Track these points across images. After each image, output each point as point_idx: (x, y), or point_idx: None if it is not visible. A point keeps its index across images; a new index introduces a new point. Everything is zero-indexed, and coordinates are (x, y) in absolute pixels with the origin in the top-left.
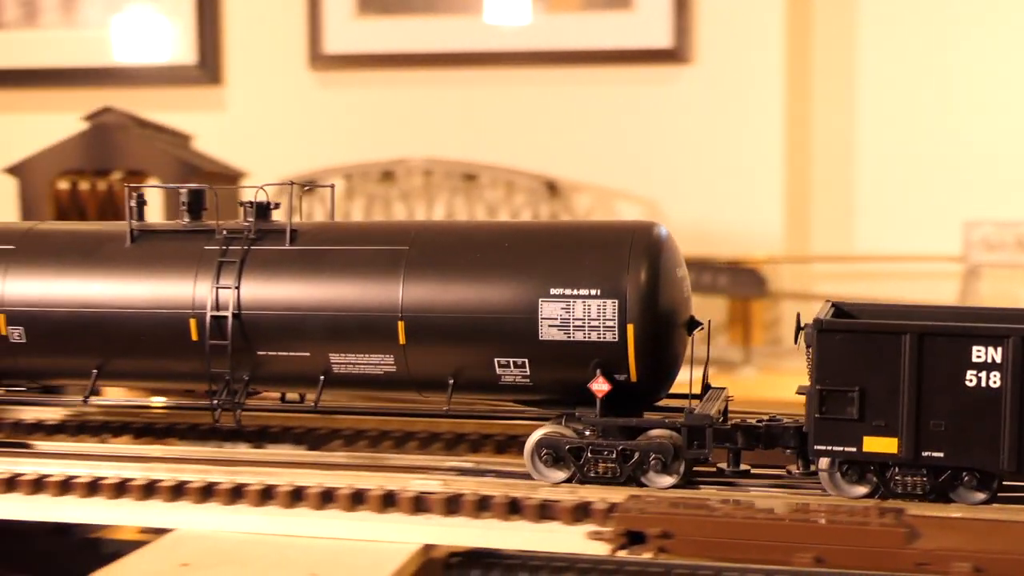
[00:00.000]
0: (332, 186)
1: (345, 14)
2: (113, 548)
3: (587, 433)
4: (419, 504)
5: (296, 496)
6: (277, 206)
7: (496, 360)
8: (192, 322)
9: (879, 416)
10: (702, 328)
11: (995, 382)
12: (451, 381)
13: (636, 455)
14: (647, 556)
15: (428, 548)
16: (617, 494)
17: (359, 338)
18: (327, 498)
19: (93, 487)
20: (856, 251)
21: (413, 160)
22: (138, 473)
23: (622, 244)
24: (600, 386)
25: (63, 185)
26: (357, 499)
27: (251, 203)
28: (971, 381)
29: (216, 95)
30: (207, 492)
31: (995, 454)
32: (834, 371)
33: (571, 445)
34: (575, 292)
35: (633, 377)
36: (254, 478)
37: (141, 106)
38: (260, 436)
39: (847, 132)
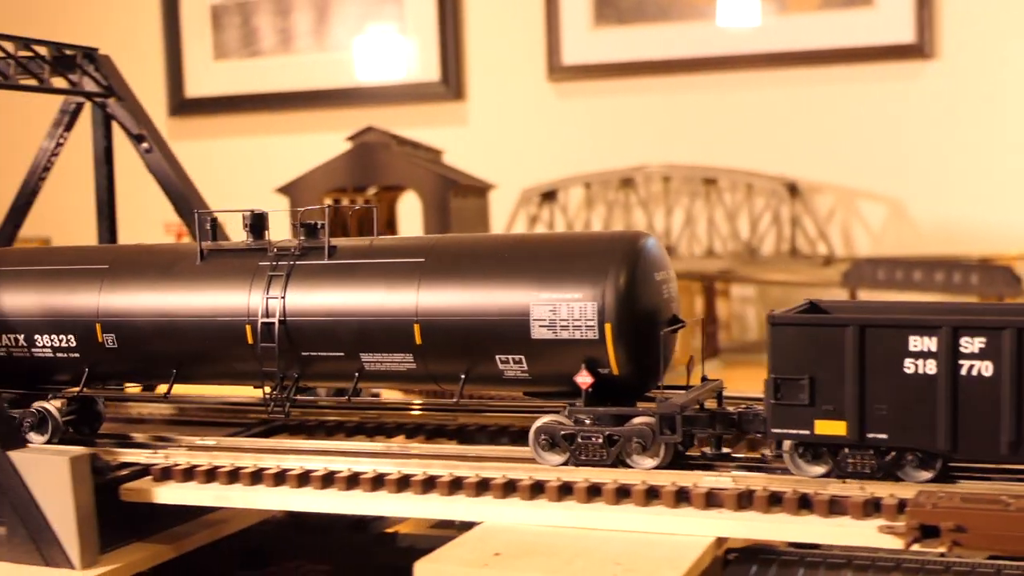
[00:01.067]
0: (375, 207)
1: (582, 25)
2: (408, 542)
3: (587, 422)
4: (711, 499)
5: (593, 492)
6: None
7: (498, 357)
8: (247, 328)
9: (828, 402)
10: (684, 326)
11: (931, 369)
12: (463, 376)
13: (620, 440)
14: (940, 549)
15: (720, 541)
16: (906, 490)
17: (383, 340)
18: (623, 493)
19: (403, 483)
20: None
21: (652, 167)
22: (443, 471)
23: (604, 252)
24: (584, 379)
25: (328, 201)
26: (651, 494)
27: (302, 223)
28: (909, 368)
29: (459, 110)
30: (510, 488)
31: (933, 435)
32: (787, 361)
33: (565, 432)
34: (561, 296)
35: (615, 370)
36: (551, 475)
37: (391, 123)
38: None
39: None
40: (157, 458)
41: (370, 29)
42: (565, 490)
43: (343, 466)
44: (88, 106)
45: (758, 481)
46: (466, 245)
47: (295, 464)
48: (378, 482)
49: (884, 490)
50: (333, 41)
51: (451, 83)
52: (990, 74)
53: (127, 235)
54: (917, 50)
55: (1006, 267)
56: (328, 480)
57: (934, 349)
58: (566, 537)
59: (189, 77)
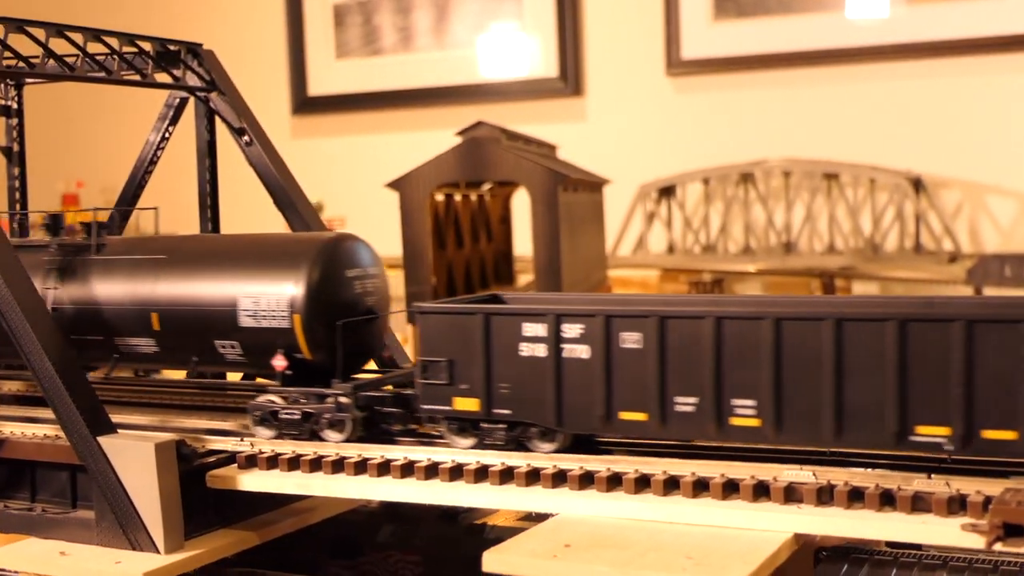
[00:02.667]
0: (156, 208)
1: (702, 19)
2: (496, 534)
3: (302, 400)
4: (791, 494)
5: (671, 484)
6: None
7: (216, 342)
8: None
9: (464, 381)
10: (377, 318)
11: (540, 352)
12: (195, 359)
13: (313, 416)
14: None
15: (800, 537)
16: (994, 487)
17: (131, 326)
18: (701, 487)
19: (481, 474)
20: None
21: (772, 161)
22: (521, 462)
23: (299, 252)
24: (279, 362)
25: (439, 197)
26: (730, 488)
27: (82, 223)
28: (524, 351)
29: (578, 105)
30: (587, 480)
31: (544, 410)
32: (431, 346)
33: (272, 409)
34: (262, 289)
35: (308, 355)
36: (630, 467)
37: (508, 119)
38: None
39: None
40: (243, 446)
41: (490, 26)
42: (642, 483)
43: (423, 456)
44: (192, 101)
45: (840, 476)
46: (202, 244)
47: (376, 453)
48: (456, 472)
49: (971, 487)
50: (453, 39)
51: (569, 79)
52: None
53: (229, 227)
54: None
55: None
56: (408, 470)
57: (544, 335)
58: (641, 531)
59: (312, 76)
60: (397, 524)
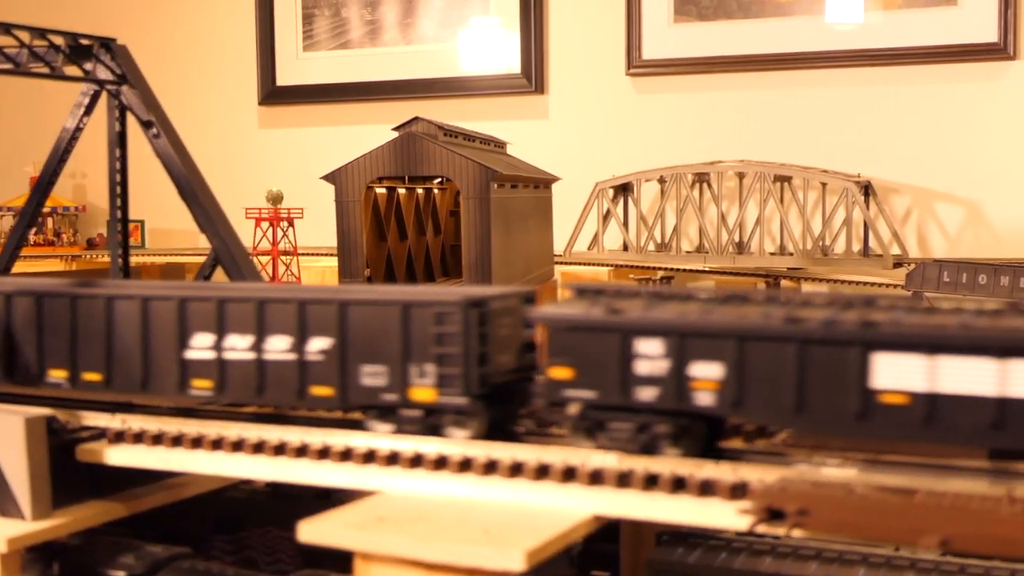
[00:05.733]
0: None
1: (663, 20)
2: None
3: None
4: (595, 477)
5: (491, 467)
6: None
7: None
8: None
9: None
10: None
11: None
12: None
13: None
14: (782, 531)
15: (599, 518)
16: (774, 474)
17: None
18: (516, 470)
19: (324, 453)
20: None
21: (726, 162)
22: (362, 442)
23: None
24: None
25: (381, 190)
26: (543, 471)
27: None
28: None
29: (540, 103)
30: (418, 460)
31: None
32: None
33: None
34: None
35: None
36: (457, 449)
37: (472, 115)
38: None
39: None
40: (114, 422)
41: (456, 22)
42: (466, 464)
43: (275, 435)
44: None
45: (640, 462)
46: None
47: (233, 432)
48: (301, 451)
49: (754, 474)
50: (419, 34)
51: (533, 76)
52: None
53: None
54: (1000, 50)
55: None
56: (259, 447)
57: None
58: (455, 507)
59: (280, 66)
60: (277, 501)
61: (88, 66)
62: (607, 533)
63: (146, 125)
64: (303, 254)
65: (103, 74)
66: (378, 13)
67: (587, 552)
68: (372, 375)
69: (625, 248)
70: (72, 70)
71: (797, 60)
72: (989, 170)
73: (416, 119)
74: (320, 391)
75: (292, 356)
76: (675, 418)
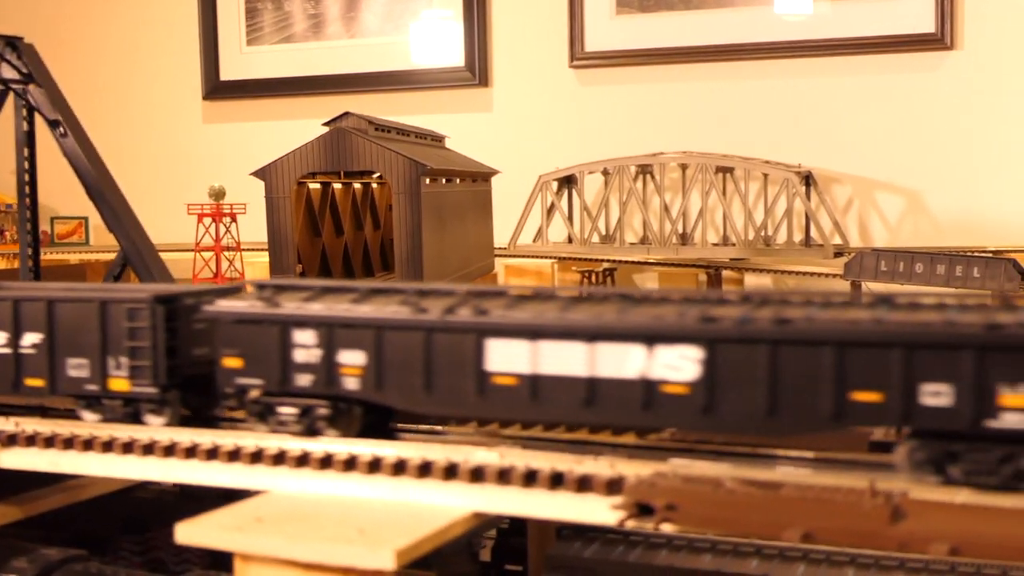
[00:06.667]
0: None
1: (605, 12)
2: None
3: None
4: (476, 475)
5: (374, 466)
6: None
7: None
8: None
9: None
10: None
11: None
12: None
13: None
14: (650, 526)
15: (478, 515)
16: (649, 469)
17: None
18: (400, 468)
19: (234, 455)
20: None
21: (668, 154)
22: (251, 442)
23: None
24: None
25: (314, 185)
26: (425, 469)
27: None
28: None
29: (484, 95)
30: (303, 460)
31: None
32: None
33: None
34: None
35: None
36: (342, 447)
37: (417, 108)
38: None
39: None
40: (7, 425)
41: (400, 16)
42: (350, 464)
43: (164, 436)
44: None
45: (520, 458)
46: None
47: (124, 434)
48: (191, 452)
49: (631, 469)
50: (363, 27)
51: (477, 69)
52: (1011, 66)
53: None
54: (938, 40)
55: (1010, 260)
56: (149, 449)
57: None
58: (337, 507)
59: (223, 61)
60: (184, 501)
61: None
62: (519, 528)
63: (53, 124)
64: (246, 249)
65: (9, 73)
66: (321, 7)
67: (500, 546)
68: (77, 367)
69: (569, 240)
70: None
71: (738, 51)
72: (929, 159)
73: (346, 114)
74: (33, 382)
75: (8, 350)
76: (331, 401)
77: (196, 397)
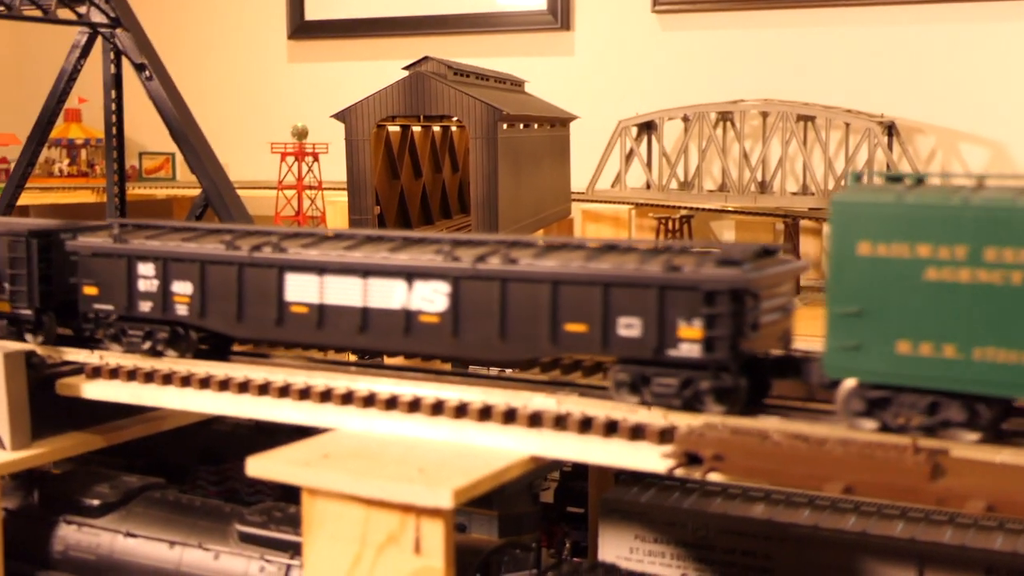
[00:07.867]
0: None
1: None
2: None
3: None
4: (534, 420)
5: (437, 408)
6: None
7: None
8: None
9: None
10: None
11: None
12: None
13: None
14: (698, 475)
15: (535, 459)
16: (700, 420)
17: None
18: (461, 411)
19: (304, 393)
20: None
21: (749, 101)
22: (320, 381)
23: None
24: None
25: (394, 128)
26: (486, 413)
27: None
28: None
29: (566, 39)
30: (369, 400)
31: None
32: None
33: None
34: None
35: None
36: (408, 389)
37: (498, 51)
38: None
39: None
40: (92, 358)
41: None
42: (415, 405)
43: (239, 373)
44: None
45: (577, 405)
46: None
47: (201, 369)
48: (263, 389)
49: (683, 420)
50: None
51: (559, 13)
52: None
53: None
54: None
55: None
56: (224, 385)
57: None
58: (400, 446)
59: (309, 1)
60: (259, 435)
61: (82, 9)
62: (581, 472)
63: (139, 68)
64: (327, 189)
65: (97, 17)
66: None
67: (562, 489)
68: None
69: (648, 187)
70: (66, 13)
71: None
72: (1014, 110)
73: (426, 58)
74: None
75: None
76: (169, 326)
77: (73, 320)
